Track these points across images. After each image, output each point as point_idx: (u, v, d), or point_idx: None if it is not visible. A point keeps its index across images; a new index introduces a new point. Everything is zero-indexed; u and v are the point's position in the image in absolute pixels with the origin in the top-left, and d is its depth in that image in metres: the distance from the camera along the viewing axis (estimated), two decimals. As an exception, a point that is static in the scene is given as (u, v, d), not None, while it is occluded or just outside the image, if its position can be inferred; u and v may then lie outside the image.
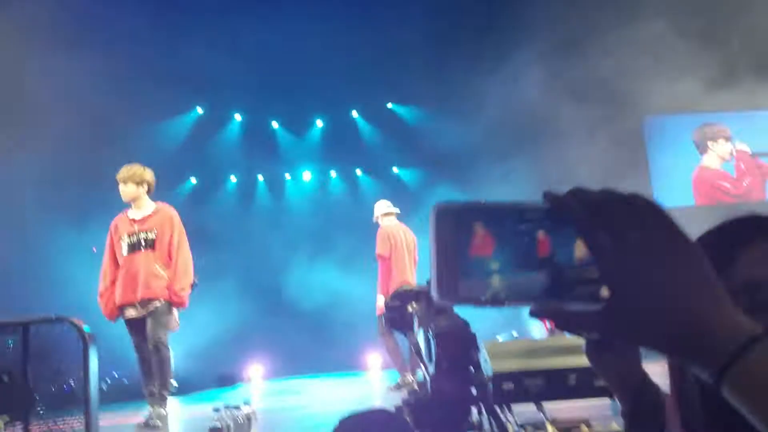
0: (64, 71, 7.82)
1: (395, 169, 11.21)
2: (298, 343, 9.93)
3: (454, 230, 0.44)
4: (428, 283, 2.18)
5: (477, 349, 2.08)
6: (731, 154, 10.43)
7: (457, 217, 0.44)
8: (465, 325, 2.11)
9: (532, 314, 0.44)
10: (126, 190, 4.25)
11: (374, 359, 9.65)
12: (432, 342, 2.13)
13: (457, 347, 2.05)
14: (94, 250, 8.80)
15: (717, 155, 10.52)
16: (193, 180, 10.59)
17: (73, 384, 2.56)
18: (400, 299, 2.52)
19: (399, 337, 5.30)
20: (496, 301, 0.43)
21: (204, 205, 10.15)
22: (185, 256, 4.26)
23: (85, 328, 2.61)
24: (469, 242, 0.43)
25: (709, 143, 10.50)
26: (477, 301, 0.44)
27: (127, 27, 8.33)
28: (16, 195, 7.75)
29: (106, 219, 7.19)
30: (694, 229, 0.50)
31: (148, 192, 4.35)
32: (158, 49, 8.97)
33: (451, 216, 0.44)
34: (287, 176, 11.29)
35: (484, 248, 0.44)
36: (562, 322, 0.45)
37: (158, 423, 3.97)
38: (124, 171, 4.29)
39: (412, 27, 9.52)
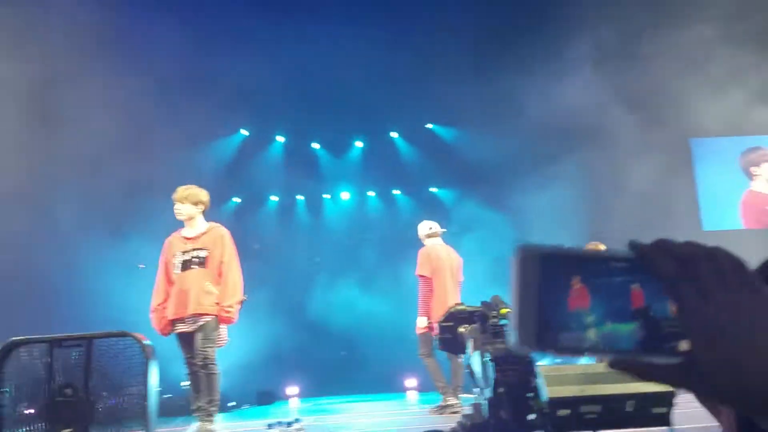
0: (110, 86, 8.15)
1: (433, 189, 11.23)
2: (332, 364, 9.94)
3: (551, 281, 0.44)
4: (484, 304, 2.16)
5: (534, 374, 2.06)
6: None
7: (554, 267, 0.45)
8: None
9: (612, 366, 0.45)
10: (182, 210, 4.39)
11: (410, 381, 9.57)
12: (490, 366, 2.11)
13: (515, 372, 2.03)
14: (141, 266, 9.08)
15: (764, 179, 10.30)
16: (237, 199, 10.82)
17: (127, 398, 2.62)
18: (453, 320, 2.52)
19: (440, 358, 5.27)
20: (594, 352, 0.44)
21: (246, 223, 10.34)
22: (235, 274, 4.36)
23: (147, 342, 2.70)
24: (567, 294, 0.44)
25: (752, 169, 10.31)
26: (575, 352, 0.44)
27: (175, 45, 8.61)
28: (58, 210, 8.05)
29: (146, 236, 7.45)
30: (743, 251, 0.50)
31: (203, 212, 4.48)
32: (206, 69, 9.28)
33: (547, 265, 0.45)
34: (326, 196, 11.44)
35: (581, 300, 0.44)
36: (643, 374, 0.45)
37: (205, 438, 4.03)
38: (181, 191, 4.42)
39: (452, 46, 9.60)
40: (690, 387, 0.44)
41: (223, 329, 4.37)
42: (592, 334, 0.44)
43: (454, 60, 9.77)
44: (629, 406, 2.44)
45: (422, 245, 5.60)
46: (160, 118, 8.48)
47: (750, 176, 10.42)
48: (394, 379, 9.67)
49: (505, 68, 9.10)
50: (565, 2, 9.05)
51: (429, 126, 11.17)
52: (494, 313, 2.36)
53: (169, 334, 4.32)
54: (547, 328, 0.44)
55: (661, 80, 8.91)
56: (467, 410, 2.46)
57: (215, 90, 9.31)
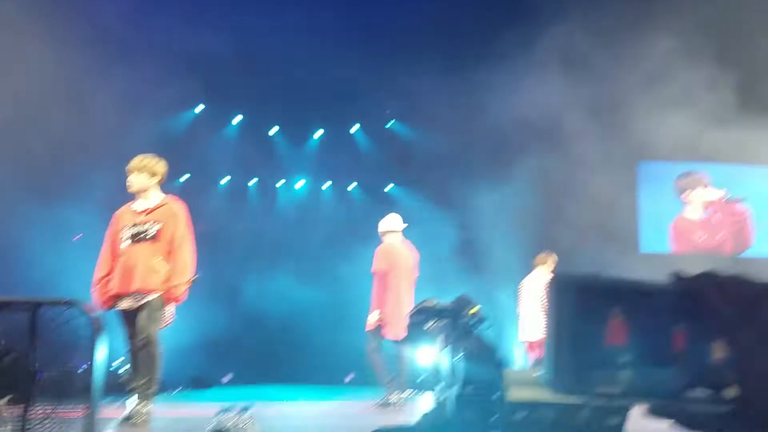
0: (55, 58, 7.68)
1: (389, 187, 11.26)
2: (269, 352, 9.80)
3: (588, 312, 0.41)
4: (455, 302, 2.15)
5: (502, 376, 2.08)
6: (705, 203, 10.68)
7: (592, 298, 0.41)
8: (493, 351, 2.11)
9: (652, 414, 0.42)
10: (137, 181, 4.16)
11: (351, 373, 9.56)
12: (458, 364, 2.11)
13: (485, 372, 2.04)
14: (76, 238, 8.66)
15: (694, 205, 10.74)
16: (185, 177, 10.48)
17: (71, 372, 2.48)
18: (424, 314, 2.51)
19: (386, 354, 5.28)
20: (630, 397, 0.40)
21: (193, 202, 10.02)
22: (186, 252, 4.17)
23: (95, 314, 2.56)
24: (604, 326, 0.41)
25: (684, 195, 10.72)
26: (608, 396, 0.41)
27: (129, 16, 8.24)
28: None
29: (80, 203, 7.10)
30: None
31: (159, 183, 4.28)
32: (162, 40, 8.91)
33: (584, 297, 0.41)
34: (280, 183, 11.26)
35: (619, 336, 0.41)
36: (689, 425, 0.42)
37: (139, 420, 3.86)
38: (137, 161, 4.19)
39: (420, 40, 9.60)
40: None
41: (170, 308, 4.20)
42: (627, 375, 0.41)
43: (420, 55, 9.79)
44: (583, 416, 2.51)
45: (379, 239, 5.59)
46: (109, 80, 8.05)
47: (684, 199, 10.87)
48: (331, 370, 9.63)
49: (470, 66, 9.12)
50: (533, 4, 9.18)
51: (390, 123, 11.17)
52: (465, 311, 2.37)
53: (111, 309, 4.12)
54: (584, 368, 0.40)
55: (619, 93, 9.16)
56: (426, 407, 2.46)
57: (171, 59, 8.96)
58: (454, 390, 2.16)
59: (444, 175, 9.90)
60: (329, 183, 11.33)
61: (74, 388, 2.50)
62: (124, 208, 4.30)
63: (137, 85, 8.30)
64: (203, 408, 5.64)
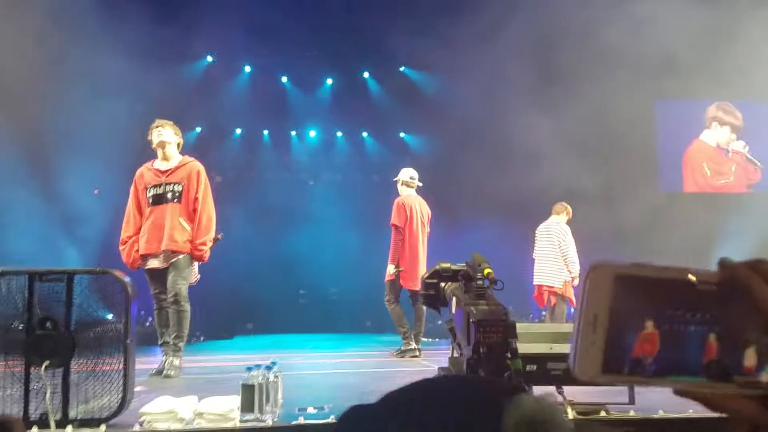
0: (60, 19, 7.58)
1: (402, 134, 11.20)
2: (289, 302, 10.07)
3: (622, 316, 0.41)
4: (468, 265, 2.24)
5: (515, 336, 2.17)
6: (728, 145, 10.53)
7: (627, 299, 0.41)
8: (505, 312, 2.19)
9: (678, 394, 0.43)
10: (166, 132, 4.27)
11: (369, 323, 9.79)
12: (472, 326, 2.21)
13: (497, 334, 2.14)
14: (96, 192, 8.83)
15: (716, 136, 10.56)
16: (198, 129, 10.51)
17: (107, 331, 2.64)
18: (437, 277, 2.60)
19: (404, 306, 5.43)
20: (656, 376, 0.42)
21: (208, 155, 10.09)
22: (209, 211, 4.29)
23: (127, 280, 2.69)
24: (636, 336, 0.41)
25: (715, 124, 10.53)
26: (639, 382, 0.42)
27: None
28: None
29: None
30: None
31: (179, 146, 4.37)
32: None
33: (620, 293, 0.41)
34: (293, 133, 11.25)
35: (650, 347, 0.41)
36: (716, 407, 0.43)
37: (171, 373, 4.06)
38: (164, 120, 4.35)
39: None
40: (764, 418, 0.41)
41: (195, 266, 4.35)
42: (654, 382, 0.42)
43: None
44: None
45: (396, 190, 5.65)
46: (116, 34, 7.97)
47: (709, 125, 10.65)
48: (351, 319, 9.90)
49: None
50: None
51: (401, 69, 11.00)
52: (478, 275, 2.45)
53: (138, 268, 4.27)
54: (613, 360, 0.41)
55: (647, 35, 8.87)
56: (443, 364, 2.59)
57: (180, 10, 8.83)
58: (467, 351, 2.27)
59: (462, 121, 9.77)
60: (340, 133, 11.29)
61: (110, 347, 2.66)
62: (146, 166, 4.39)
63: (146, 39, 8.23)
64: (228, 357, 5.91)
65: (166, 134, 4.27)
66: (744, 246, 8.47)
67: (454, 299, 2.45)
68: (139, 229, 4.25)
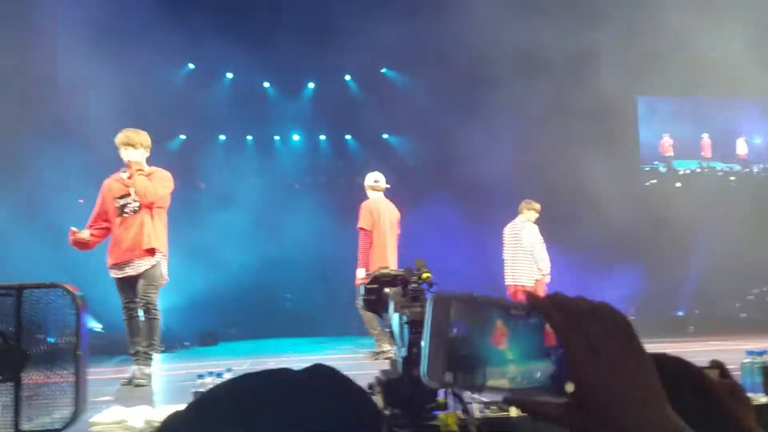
0: (44, 21, 7.62)
1: (385, 135, 11.24)
2: (274, 307, 10.06)
3: (472, 323, 0.48)
4: (407, 270, 2.29)
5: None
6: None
7: (469, 312, 0.48)
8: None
9: (506, 402, 0.49)
10: (129, 154, 4.30)
11: (355, 325, 9.76)
12: (406, 327, 2.27)
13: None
14: (81, 201, 8.85)
15: None
16: (182, 136, 10.56)
17: (60, 344, 2.68)
18: (378, 282, 2.65)
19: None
20: (515, 390, 0.48)
21: (192, 162, 10.13)
22: (162, 220, 4.36)
23: (78, 293, 2.73)
24: (489, 334, 0.47)
25: None
26: (499, 390, 0.48)
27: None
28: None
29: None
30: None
31: (145, 153, 4.39)
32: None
33: (461, 308, 0.48)
34: (276, 138, 11.30)
35: (502, 340, 0.48)
36: (532, 412, 0.49)
37: (143, 382, 4.10)
38: (133, 136, 4.34)
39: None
40: (571, 427, 0.48)
41: (164, 268, 4.36)
42: (512, 370, 0.47)
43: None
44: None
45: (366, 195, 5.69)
46: (97, 43, 8.01)
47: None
48: (339, 322, 9.89)
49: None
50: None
51: (382, 71, 11.05)
52: (415, 277, 2.50)
53: (82, 249, 4.35)
54: (457, 366, 0.47)
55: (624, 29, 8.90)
56: (385, 366, 2.64)
57: (159, 19, 8.86)
58: (403, 351, 2.32)
59: (438, 120, 9.82)
60: (323, 137, 11.34)
61: (62, 359, 2.70)
62: (113, 178, 4.44)
63: (127, 46, 8.27)
64: (208, 363, 5.94)
65: (129, 155, 4.32)
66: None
67: (392, 303, 2.51)
68: (102, 231, 4.32)
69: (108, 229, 4.38)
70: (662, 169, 11.33)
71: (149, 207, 4.30)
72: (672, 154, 11.32)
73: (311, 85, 11.08)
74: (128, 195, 4.32)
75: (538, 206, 6.21)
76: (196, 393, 2.71)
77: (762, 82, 8.87)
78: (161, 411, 2.68)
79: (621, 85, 9.51)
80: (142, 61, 9.02)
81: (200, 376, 2.68)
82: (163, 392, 3.96)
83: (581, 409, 0.47)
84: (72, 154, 7.82)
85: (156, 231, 4.32)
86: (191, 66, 10.50)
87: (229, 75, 10.79)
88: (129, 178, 4.34)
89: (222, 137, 11.05)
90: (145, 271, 4.24)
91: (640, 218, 9.10)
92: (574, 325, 0.48)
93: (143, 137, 4.41)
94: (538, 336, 0.48)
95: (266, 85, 11.03)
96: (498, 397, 0.49)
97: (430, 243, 7.69)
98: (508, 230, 6.16)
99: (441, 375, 0.47)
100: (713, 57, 8.34)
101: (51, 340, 2.66)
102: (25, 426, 2.51)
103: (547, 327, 0.48)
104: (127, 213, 4.31)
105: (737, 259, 8.80)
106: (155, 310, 4.25)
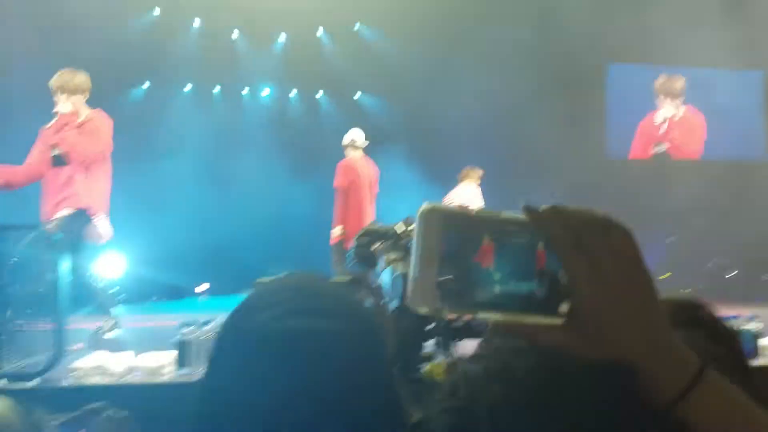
0: None
1: (357, 95, 11.07)
2: (245, 262, 9.95)
3: (457, 239, 0.44)
4: (397, 225, 2.32)
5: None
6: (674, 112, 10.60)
7: (459, 227, 0.44)
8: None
9: (494, 329, 0.48)
10: (70, 100, 4.00)
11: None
12: (398, 280, 2.30)
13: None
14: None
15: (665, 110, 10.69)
16: (145, 85, 10.16)
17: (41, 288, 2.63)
18: (369, 236, 2.68)
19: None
20: (494, 308, 0.44)
21: (156, 112, 9.78)
22: (102, 171, 4.11)
23: (56, 236, 2.67)
24: (475, 253, 0.44)
25: (661, 97, 10.63)
26: (472, 309, 0.44)
27: None
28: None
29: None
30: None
31: (84, 98, 4.09)
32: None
33: (451, 225, 0.44)
34: (245, 90, 10.99)
35: (488, 259, 0.44)
36: (526, 337, 0.46)
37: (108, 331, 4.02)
38: (70, 78, 4.01)
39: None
40: (568, 346, 0.45)
41: (104, 222, 4.15)
42: (496, 290, 0.44)
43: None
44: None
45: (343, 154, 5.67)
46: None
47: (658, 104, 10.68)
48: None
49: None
50: None
51: (356, 27, 10.79)
52: (405, 231, 2.54)
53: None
54: (449, 287, 0.43)
55: None
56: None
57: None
58: (394, 304, 2.36)
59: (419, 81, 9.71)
60: (295, 91, 11.10)
61: (43, 305, 2.66)
62: (53, 124, 4.12)
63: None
64: (174, 318, 5.90)
65: (72, 101, 4.03)
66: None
67: (383, 257, 2.54)
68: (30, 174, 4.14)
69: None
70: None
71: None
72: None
73: (282, 37, 10.78)
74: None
75: (479, 171, 6.24)
76: (180, 341, 2.71)
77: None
78: (143, 358, 2.67)
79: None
80: (103, 6, 8.58)
81: (186, 325, 2.68)
82: (135, 342, 3.91)
83: (578, 331, 0.44)
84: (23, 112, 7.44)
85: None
86: (157, 12, 10.04)
87: (197, 22, 10.38)
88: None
89: (188, 87, 10.68)
90: None
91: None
92: (573, 239, 0.44)
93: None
94: (529, 257, 0.45)
95: (235, 34, 10.67)
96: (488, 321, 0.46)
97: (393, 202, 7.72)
98: (453, 197, 6.15)
99: (429, 298, 0.43)
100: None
101: (30, 286, 2.61)
102: (5, 367, 2.47)
103: (539, 248, 0.45)
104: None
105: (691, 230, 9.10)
106: None
